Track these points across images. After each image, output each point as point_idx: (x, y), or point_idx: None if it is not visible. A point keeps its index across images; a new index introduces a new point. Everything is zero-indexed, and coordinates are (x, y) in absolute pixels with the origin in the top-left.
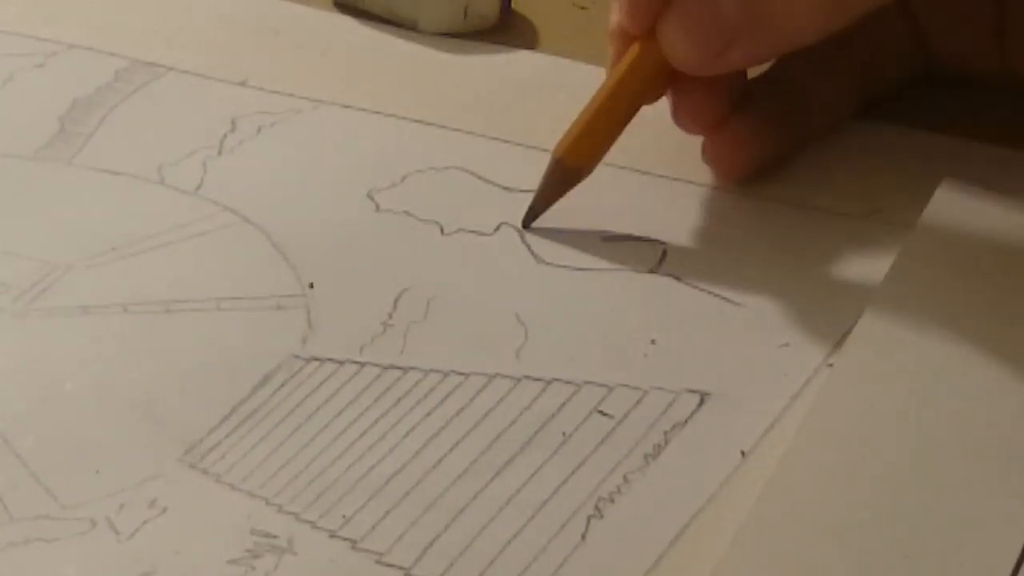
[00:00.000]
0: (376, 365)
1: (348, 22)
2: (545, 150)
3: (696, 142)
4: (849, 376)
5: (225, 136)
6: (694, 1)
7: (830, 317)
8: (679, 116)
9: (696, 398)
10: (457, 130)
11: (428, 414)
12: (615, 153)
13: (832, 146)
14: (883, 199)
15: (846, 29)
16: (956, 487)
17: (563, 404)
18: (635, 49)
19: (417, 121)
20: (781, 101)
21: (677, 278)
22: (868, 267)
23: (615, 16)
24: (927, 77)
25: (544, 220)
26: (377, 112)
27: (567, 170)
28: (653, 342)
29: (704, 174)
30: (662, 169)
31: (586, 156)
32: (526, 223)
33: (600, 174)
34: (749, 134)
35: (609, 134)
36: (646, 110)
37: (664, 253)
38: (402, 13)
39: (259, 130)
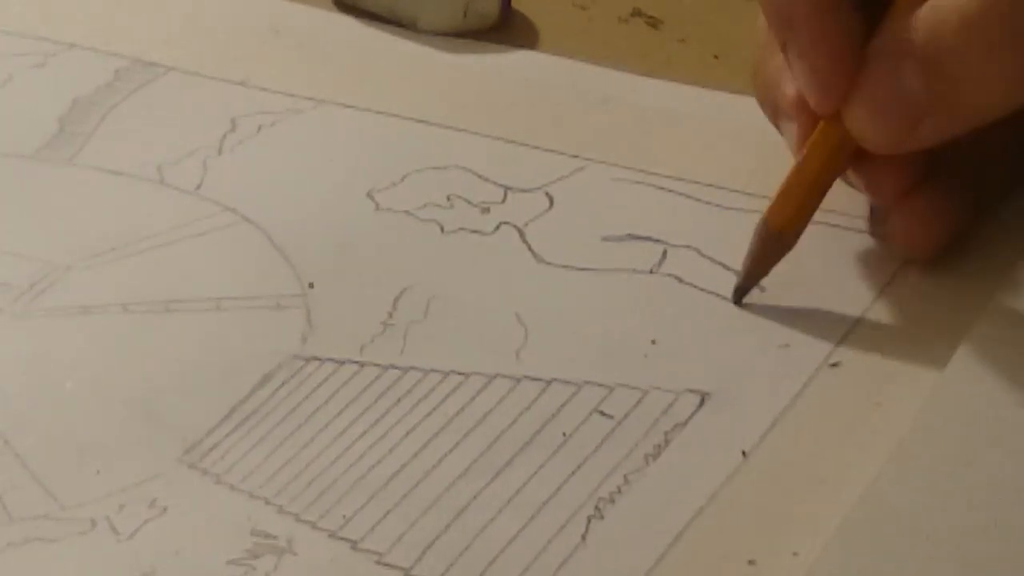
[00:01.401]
0: (376, 365)
1: (348, 22)
2: (546, 149)
3: (695, 141)
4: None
5: (225, 136)
6: (880, 81)
7: (830, 317)
8: (863, 187)
9: (696, 398)
10: (457, 129)
11: (428, 414)
12: (614, 152)
13: None
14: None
15: None
16: None
17: (563, 404)
18: (823, 129)
19: (417, 121)
20: (964, 171)
21: (677, 278)
22: (869, 267)
23: (791, 87)
24: None
25: (545, 220)
26: (377, 112)
27: (775, 236)
28: (653, 342)
29: (704, 174)
30: (662, 169)
31: (800, 224)
32: (737, 300)
33: (601, 175)
34: (938, 208)
35: (812, 205)
36: (647, 108)
37: (664, 253)
38: (402, 12)
39: (259, 130)
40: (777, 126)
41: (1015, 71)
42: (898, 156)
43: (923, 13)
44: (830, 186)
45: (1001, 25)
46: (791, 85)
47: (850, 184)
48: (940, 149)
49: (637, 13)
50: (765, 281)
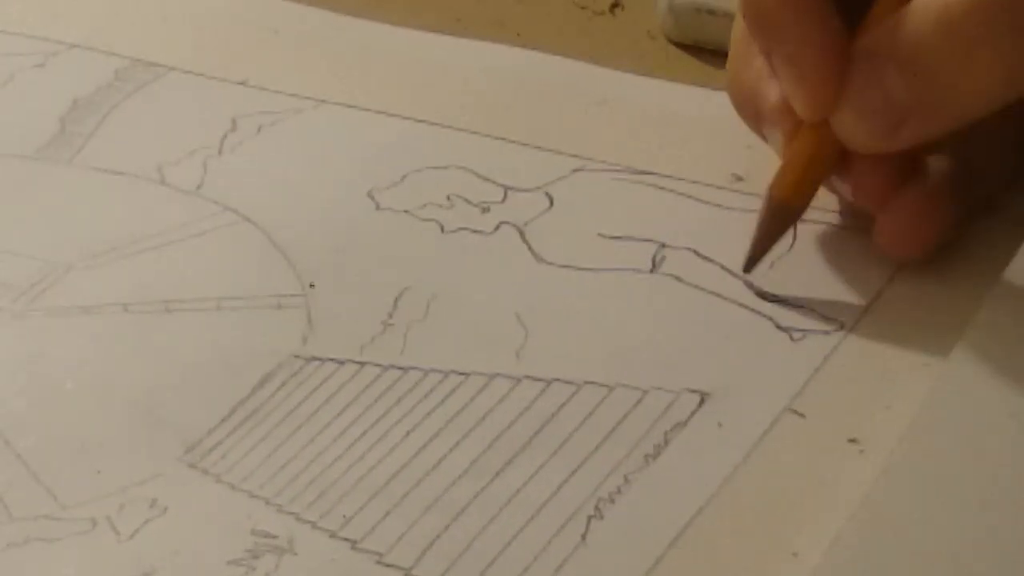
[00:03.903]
0: (376, 365)
1: (347, 21)
2: (545, 149)
3: (694, 141)
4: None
5: (225, 136)
6: (864, 84)
7: (831, 316)
8: (849, 191)
9: (696, 398)
10: (457, 129)
11: (428, 414)
12: (615, 152)
13: None
14: None
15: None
16: None
17: (563, 404)
18: (809, 129)
19: (417, 120)
20: (951, 173)
21: (677, 278)
22: (869, 267)
23: (774, 93)
24: None
25: (544, 220)
26: (377, 111)
27: (789, 211)
28: (653, 342)
29: (704, 174)
30: (662, 169)
31: (806, 195)
32: (747, 270)
33: (600, 175)
34: (924, 209)
35: (824, 172)
36: (647, 108)
37: (664, 253)
38: None
39: (259, 129)
40: (760, 133)
41: (995, 70)
42: (883, 158)
43: (903, 14)
44: (833, 160)
45: (980, 24)
46: (773, 91)
47: (835, 191)
48: (926, 148)
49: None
50: (766, 281)
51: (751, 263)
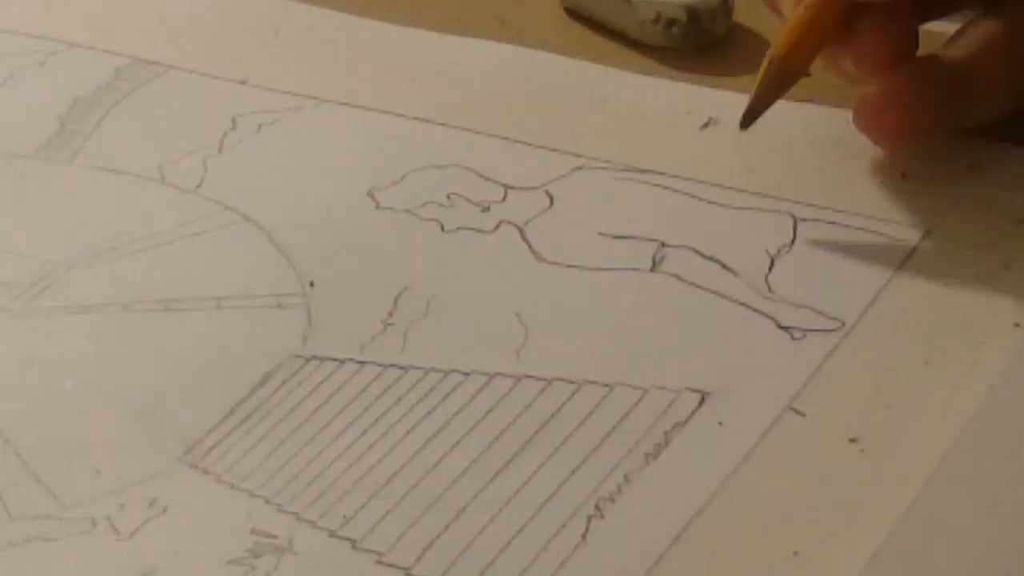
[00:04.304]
0: (376, 364)
1: (348, 21)
2: (546, 148)
3: (694, 140)
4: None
5: (225, 134)
6: None
7: (831, 315)
8: (849, 63)
9: (696, 397)
10: (457, 128)
11: (428, 413)
12: (615, 152)
13: (832, 146)
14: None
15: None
16: None
17: (563, 404)
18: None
19: (417, 119)
20: (948, 73)
21: (677, 277)
22: (870, 265)
23: None
24: None
25: (545, 219)
26: (377, 111)
27: (787, 70)
28: (653, 342)
29: (704, 174)
30: (662, 168)
31: (802, 57)
32: (745, 124)
33: (601, 174)
34: (909, 89)
35: (820, 40)
36: (647, 108)
37: (664, 252)
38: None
39: (259, 128)
40: (776, 9)
41: None
42: (886, 30)
43: None
44: (831, 28)
45: None
46: None
47: (836, 69)
48: (925, 57)
49: None
50: (766, 280)
51: (748, 117)
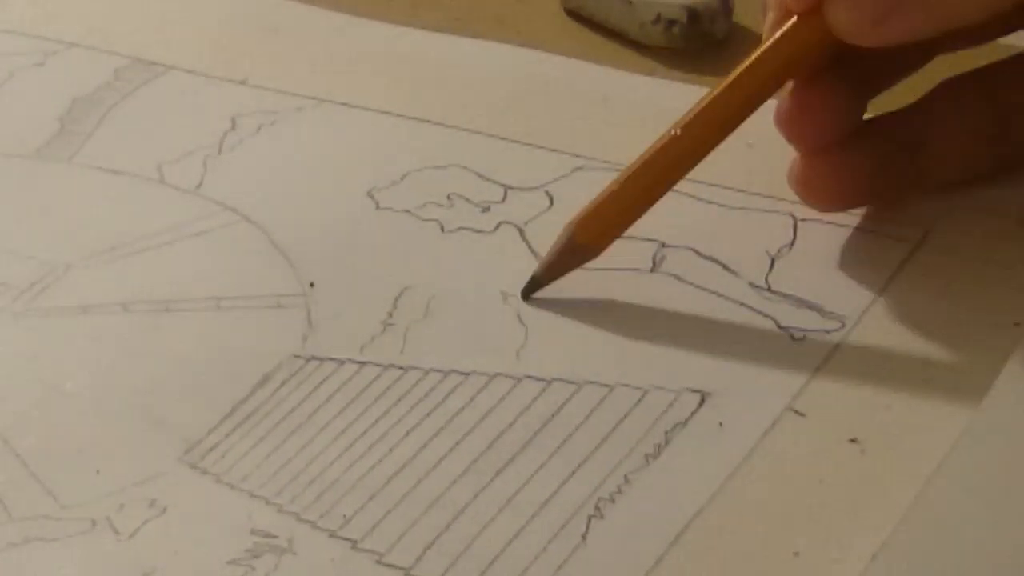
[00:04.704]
0: (376, 364)
1: (348, 21)
2: (546, 148)
3: None
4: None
5: (225, 135)
6: None
7: (831, 316)
8: (787, 119)
9: (696, 398)
10: (457, 128)
11: (428, 414)
12: (615, 152)
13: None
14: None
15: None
16: None
17: (563, 404)
18: (793, 23)
19: (417, 120)
20: (897, 143)
21: (677, 278)
22: (869, 266)
23: None
24: None
25: (545, 219)
26: (377, 110)
27: (579, 247)
28: (653, 342)
29: (704, 174)
30: None
31: (599, 235)
32: (526, 295)
33: (601, 174)
34: (848, 165)
35: (628, 216)
36: (647, 108)
37: (664, 253)
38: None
39: (259, 129)
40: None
41: None
42: (828, 109)
43: None
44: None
45: None
46: None
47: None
48: (877, 121)
49: None
50: (766, 281)
51: (530, 290)
